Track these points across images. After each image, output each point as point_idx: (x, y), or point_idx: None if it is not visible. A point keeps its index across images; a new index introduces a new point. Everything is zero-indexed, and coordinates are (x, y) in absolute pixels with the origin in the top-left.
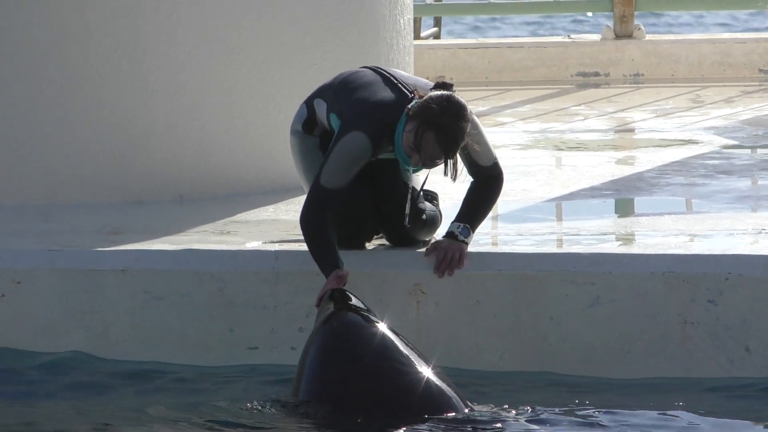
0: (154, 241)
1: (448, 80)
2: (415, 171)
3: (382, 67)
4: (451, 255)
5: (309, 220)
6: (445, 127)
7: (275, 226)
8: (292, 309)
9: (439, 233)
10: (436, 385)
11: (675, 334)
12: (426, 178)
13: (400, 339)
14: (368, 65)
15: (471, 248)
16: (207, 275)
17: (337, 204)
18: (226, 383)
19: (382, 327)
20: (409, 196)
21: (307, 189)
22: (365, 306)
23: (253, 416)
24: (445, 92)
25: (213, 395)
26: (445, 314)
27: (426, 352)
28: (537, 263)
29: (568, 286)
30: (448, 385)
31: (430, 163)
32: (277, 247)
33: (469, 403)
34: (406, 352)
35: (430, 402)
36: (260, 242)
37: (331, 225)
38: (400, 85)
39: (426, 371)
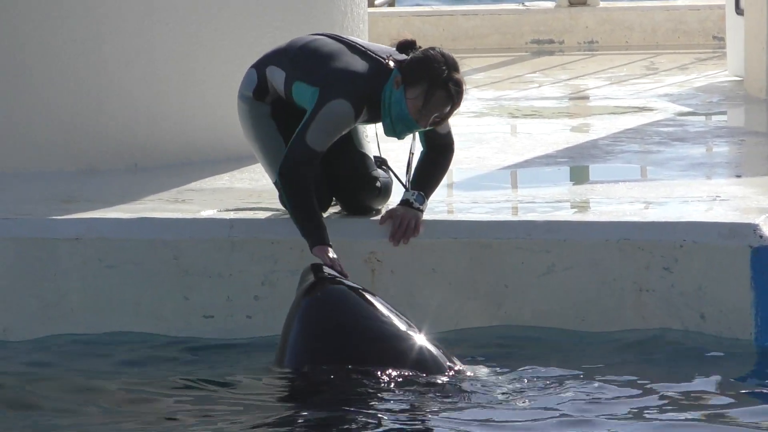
0: (108, 209)
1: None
2: (401, 137)
3: (339, 35)
4: (406, 223)
5: (294, 178)
6: (452, 81)
7: (230, 194)
8: (248, 277)
9: (392, 201)
10: (425, 348)
11: (630, 301)
12: (411, 156)
13: (383, 304)
14: (321, 32)
15: (426, 216)
16: (161, 243)
17: (316, 166)
18: (186, 352)
19: (364, 294)
20: (385, 166)
21: (259, 156)
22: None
23: (235, 387)
24: (433, 49)
25: (174, 364)
26: (400, 282)
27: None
28: (492, 231)
29: (523, 254)
30: (435, 347)
31: (438, 121)
32: (232, 215)
33: (456, 362)
34: (391, 317)
35: (419, 364)
36: (215, 210)
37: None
38: (371, 53)
39: (412, 334)
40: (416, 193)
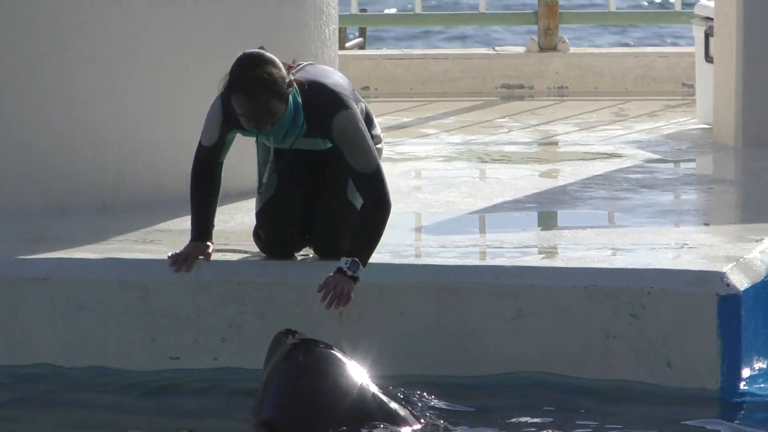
0: (77, 249)
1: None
2: (277, 143)
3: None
4: (339, 291)
5: (193, 175)
6: (241, 79)
7: None
8: (215, 319)
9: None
10: (395, 408)
11: (597, 347)
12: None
13: (357, 368)
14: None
15: (393, 260)
16: (129, 284)
17: (212, 160)
18: (151, 392)
19: (342, 358)
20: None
21: None
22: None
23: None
24: (249, 52)
25: (140, 406)
26: (367, 325)
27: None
28: (460, 275)
29: (490, 299)
30: (402, 406)
31: (259, 123)
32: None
33: (424, 417)
34: (365, 382)
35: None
36: None
37: (214, 186)
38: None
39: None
40: (350, 260)
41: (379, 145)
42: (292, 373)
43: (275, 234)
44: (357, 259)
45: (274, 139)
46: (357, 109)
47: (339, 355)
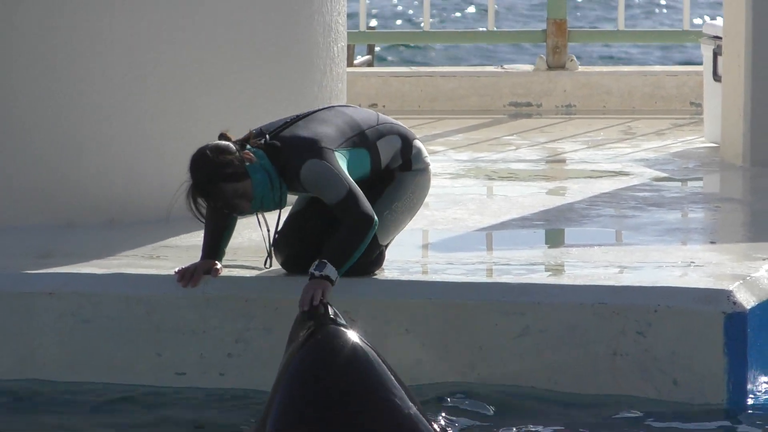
0: (83, 264)
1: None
2: (264, 209)
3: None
4: (303, 294)
5: (209, 207)
6: (196, 185)
7: None
8: (221, 334)
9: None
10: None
11: (604, 365)
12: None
13: (378, 358)
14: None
15: (400, 276)
16: (135, 299)
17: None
18: (157, 408)
19: (361, 345)
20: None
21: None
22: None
23: None
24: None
25: (146, 422)
26: (374, 341)
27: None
28: (466, 292)
29: (497, 316)
30: (422, 413)
31: (235, 210)
32: None
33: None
34: (385, 378)
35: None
36: None
37: (231, 218)
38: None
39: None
40: (317, 262)
41: (420, 166)
42: (313, 360)
43: (293, 252)
44: (324, 260)
45: (256, 209)
46: (325, 150)
47: (361, 342)
